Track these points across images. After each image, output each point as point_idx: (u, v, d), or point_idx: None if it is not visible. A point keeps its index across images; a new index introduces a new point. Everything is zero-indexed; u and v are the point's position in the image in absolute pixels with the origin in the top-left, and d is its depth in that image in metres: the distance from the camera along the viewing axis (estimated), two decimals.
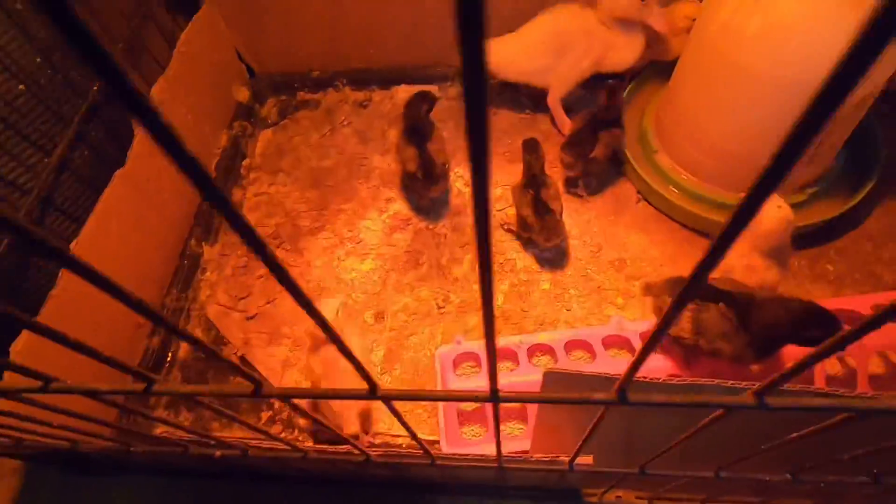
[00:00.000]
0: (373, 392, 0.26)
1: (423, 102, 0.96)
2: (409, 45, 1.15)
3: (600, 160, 0.93)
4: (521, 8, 1.02)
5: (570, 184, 1.00)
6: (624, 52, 0.95)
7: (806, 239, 0.89)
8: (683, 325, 0.65)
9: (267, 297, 0.95)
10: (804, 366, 0.20)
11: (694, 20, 0.88)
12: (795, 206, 0.88)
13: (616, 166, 1.01)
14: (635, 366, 0.23)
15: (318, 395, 0.28)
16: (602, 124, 0.92)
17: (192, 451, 0.44)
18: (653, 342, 0.21)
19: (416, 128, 0.94)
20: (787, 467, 0.37)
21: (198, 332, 0.93)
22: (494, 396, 0.25)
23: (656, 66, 1.05)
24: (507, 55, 1.02)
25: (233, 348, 0.90)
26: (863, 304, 0.75)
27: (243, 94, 1.22)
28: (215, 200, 0.14)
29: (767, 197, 0.14)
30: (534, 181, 0.84)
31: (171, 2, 1.09)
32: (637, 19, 0.94)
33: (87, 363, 0.26)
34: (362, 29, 1.14)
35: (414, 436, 0.33)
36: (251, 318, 0.93)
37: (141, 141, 0.85)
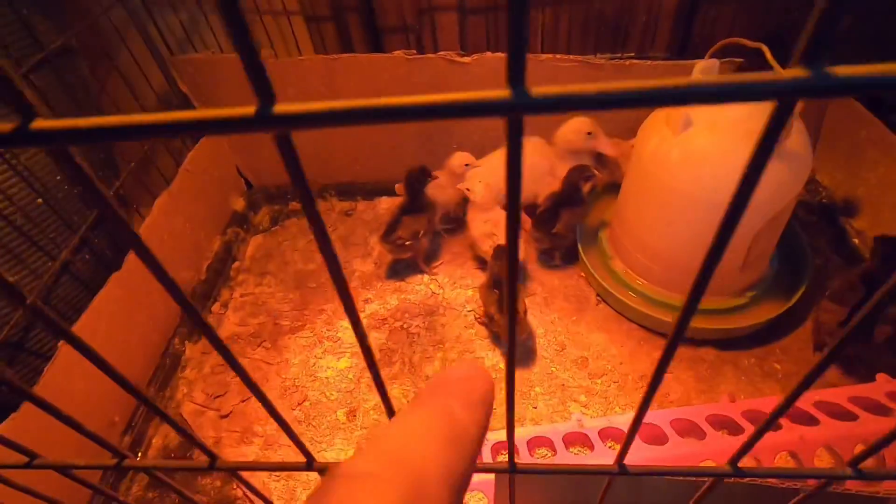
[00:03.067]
0: (309, 465, 0.30)
1: (421, 175, 1.08)
2: (390, 163, 1.30)
3: (563, 235, 1.05)
4: (491, 123, 1.17)
5: (545, 257, 1.11)
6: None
7: (753, 339, 0.95)
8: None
9: (242, 395, 0.98)
10: None
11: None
12: (738, 309, 0.97)
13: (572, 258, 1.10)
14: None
15: (258, 467, 0.32)
16: (564, 204, 1.04)
17: None
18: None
19: (414, 199, 1.08)
20: None
21: (170, 431, 0.94)
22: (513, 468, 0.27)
23: (608, 184, 1.18)
24: (484, 187, 1.15)
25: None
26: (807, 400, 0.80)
27: (239, 204, 1.34)
28: (192, 317, 0.20)
29: (702, 295, 0.16)
30: (499, 283, 0.92)
31: None
32: (587, 150, 1.09)
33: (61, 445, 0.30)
34: (349, 150, 1.29)
35: None
36: (225, 416, 0.95)
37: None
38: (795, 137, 0.82)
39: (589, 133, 1.05)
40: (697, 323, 0.95)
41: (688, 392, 0.91)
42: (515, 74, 0.11)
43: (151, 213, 1.00)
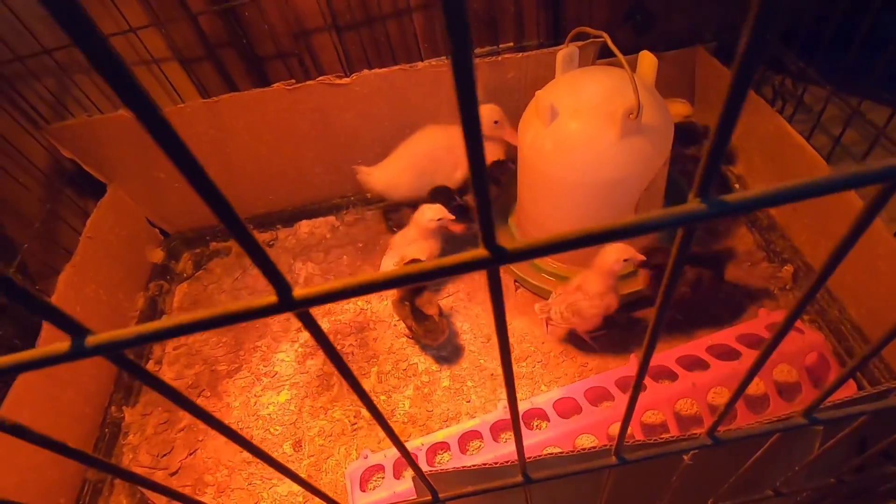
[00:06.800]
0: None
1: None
2: (302, 187, 1.31)
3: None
4: (387, 136, 1.19)
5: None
6: (489, 157, 1.13)
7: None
8: None
9: (189, 448, 0.99)
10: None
11: None
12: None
13: None
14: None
15: None
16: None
17: None
18: None
19: None
20: None
21: (122, 501, 0.95)
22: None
23: (515, 173, 1.23)
24: (391, 179, 1.16)
25: None
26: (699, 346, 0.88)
27: (157, 256, 1.32)
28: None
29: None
30: (408, 294, 0.96)
31: (81, 189, 1.22)
32: (493, 136, 1.13)
33: None
34: (257, 181, 1.29)
35: None
36: (174, 473, 0.96)
37: (48, 328, 0.92)
38: (652, 112, 0.88)
39: (496, 122, 1.09)
40: None
41: (605, 358, 0.98)
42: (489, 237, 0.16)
43: (57, 290, 0.98)
